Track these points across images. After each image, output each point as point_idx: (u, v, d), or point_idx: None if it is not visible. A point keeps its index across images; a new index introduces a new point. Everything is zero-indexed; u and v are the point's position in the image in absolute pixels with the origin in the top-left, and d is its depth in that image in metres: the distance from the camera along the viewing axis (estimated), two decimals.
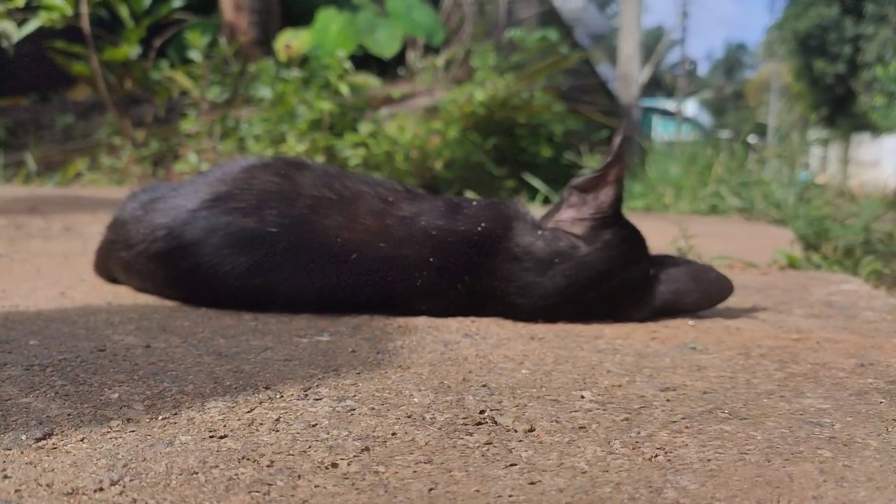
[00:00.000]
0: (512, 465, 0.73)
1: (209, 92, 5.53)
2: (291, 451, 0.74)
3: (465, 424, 0.83)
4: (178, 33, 6.29)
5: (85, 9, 5.07)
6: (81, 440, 0.74)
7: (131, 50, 5.44)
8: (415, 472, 0.71)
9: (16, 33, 5.20)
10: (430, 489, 0.67)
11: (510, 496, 0.66)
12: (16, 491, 0.63)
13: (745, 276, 2.07)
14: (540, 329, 1.35)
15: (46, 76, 7.54)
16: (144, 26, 5.46)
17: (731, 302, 1.66)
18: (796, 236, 3.17)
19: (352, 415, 0.84)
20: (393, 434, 0.80)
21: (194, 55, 5.50)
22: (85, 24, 5.09)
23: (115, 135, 5.55)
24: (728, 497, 0.67)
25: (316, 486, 0.66)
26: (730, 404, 0.93)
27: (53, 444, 0.73)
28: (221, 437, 0.76)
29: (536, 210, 1.54)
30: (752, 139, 7.50)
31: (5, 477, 0.66)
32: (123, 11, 5.36)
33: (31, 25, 5.09)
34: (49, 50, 5.42)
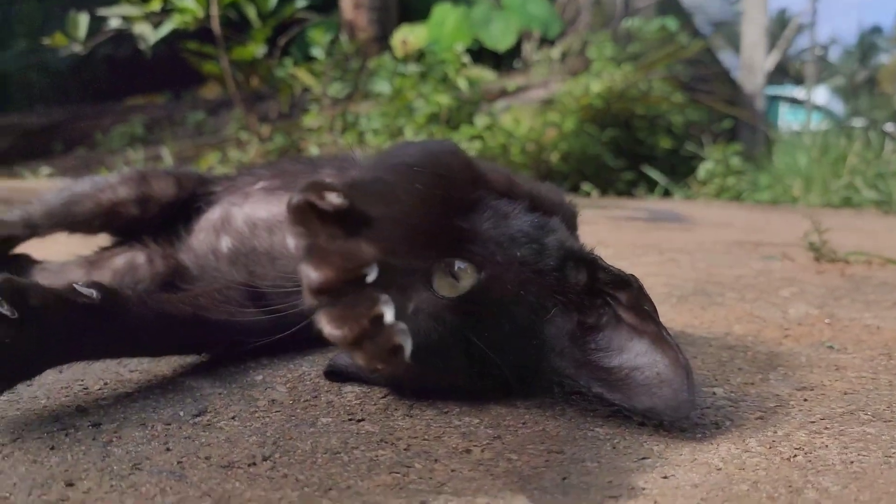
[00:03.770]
0: (644, 458, 0.73)
1: (330, 88, 5.70)
2: (426, 437, 0.76)
3: (595, 416, 0.83)
4: (301, 32, 6.51)
5: (215, 10, 5.31)
6: (233, 418, 0.80)
7: (258, 49, 5.66)
8: (547, 461, 0.72)
9: (152, 35, 5.50)
10: (564, 478, 0.68)
11: (643, 489, 0.66)
12: (178, 462, 0.69)
13: (884, 272, 1.96)
14: (665, 325, 1.33)
15: (179, 75, 7.97)
16: (270, 26, 5.67)
17: (870, 299, 1.58)
18: None
19: (482, 403, 0.86)
20: (523, 423, 0.81)
21: (317, 52, 5.68)
22: (215, 25, 5.34)
23: (242, 130, 5.81)
24: (872, 500, 0.64)
25: (452, 471, 0.69)
26: (872, 406, 0.89)
27: (208, 420, 0.79)
28: (360, 421, 0.80)
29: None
30: (889, 128, 7.06)
31: (167, 449, 0.71)
32: (251, 12, 5.59)
33: (166, 28, 5.38)
34: (182, 50, 5.72)
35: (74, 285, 0.78)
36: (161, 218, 1.38)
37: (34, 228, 1.40)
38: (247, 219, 1.27)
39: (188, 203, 1.39)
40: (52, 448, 0.70)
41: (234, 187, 1.38)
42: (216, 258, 1.29)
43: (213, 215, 1.34)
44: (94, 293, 0.78)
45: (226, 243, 1.28)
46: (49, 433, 0.74)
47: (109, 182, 1.38)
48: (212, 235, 1.31)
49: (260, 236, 1.24)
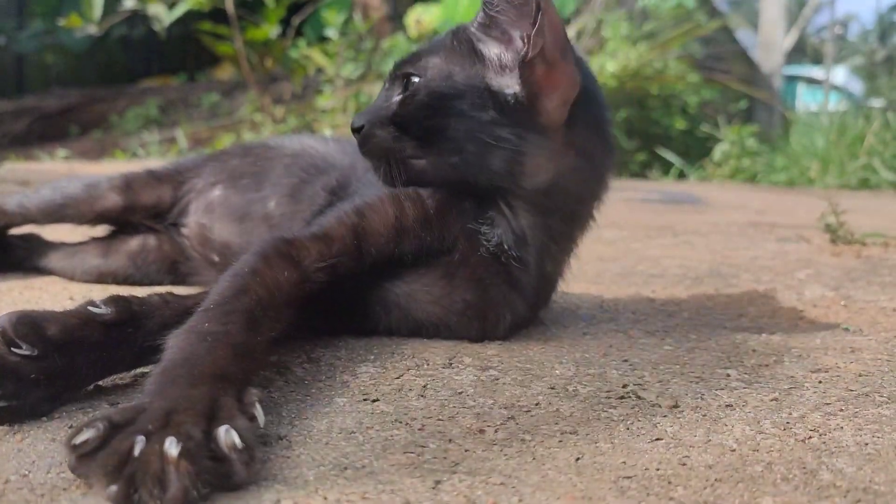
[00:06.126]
0: (657, 439, 0.73)
1: (343, 69, 5.69)
2: (441, 417, 0.77)
3: (609, 398, 0.84)
4: (315, 12, 6.49)
5: None
6: None
7: (272, 29, 5.65)
8: (560, 441, 0.72)
9: (167, 16, 5.50)
10: (577, 459, 0.68)
11: (657, 469, 0.66)
12: None
13: None
14: (679, 307, 1.33)
15: (193, 57, 7.98)
16: (284, 6, 5.66)
17: (886, 281, 1.57)
18: None
19: (496, 384, 0.87)
20: (537, 404, 0.81)
21: (330, 32, 5.66)
22: (229, 5, 5.33)
23: (256, 112, 5.82)
24: (888, 482, 0.64)
25: (466, 451, 0.69)
26: (888, 388, 0.89)
27: None
28: (374, 401, 0.81)
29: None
30: None
31: None
32: None
33: (181, 8, 5.37)
34: (196, 31, 5.71)
35: (89, 307, 0.79)
36: (154, 218, 1.40)
37: (30, 220, 1.43)
38: (222, 242, 1.32)
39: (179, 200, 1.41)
40: (71, 427, 0.71)
41: (198, 192, 1.40)
42: (208, 262, 1.35)
43: (191, 222, 1.38)
44: (106, 310, 0.79)
45: (214, 254, 1.34)
46: (67, 412, 0.75)
47: (100, 190, 1.39)
48: (196, 242, 1.37)
49: (237, 256, 1.29)
